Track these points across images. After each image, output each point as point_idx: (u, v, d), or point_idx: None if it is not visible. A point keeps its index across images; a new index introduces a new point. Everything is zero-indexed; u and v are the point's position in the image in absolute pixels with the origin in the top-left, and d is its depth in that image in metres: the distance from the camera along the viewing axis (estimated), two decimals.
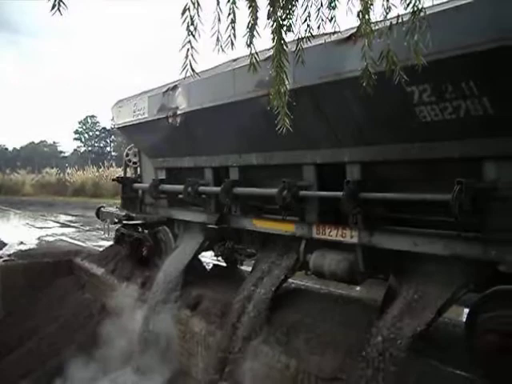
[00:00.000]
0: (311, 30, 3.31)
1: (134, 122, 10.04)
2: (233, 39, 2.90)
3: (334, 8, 3.27)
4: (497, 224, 4.74)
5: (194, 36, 2.74)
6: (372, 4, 3.19)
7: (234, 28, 2.89)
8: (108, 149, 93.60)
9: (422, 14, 3.23)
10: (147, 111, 9.53)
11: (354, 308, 6.75)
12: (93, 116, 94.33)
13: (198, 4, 2.69)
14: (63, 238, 17.38)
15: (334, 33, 3.55)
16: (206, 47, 2.94)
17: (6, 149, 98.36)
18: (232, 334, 7.13)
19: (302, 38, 3.33)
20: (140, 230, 10.82)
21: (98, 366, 8.91)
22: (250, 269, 8.33)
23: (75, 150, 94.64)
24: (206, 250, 9.38)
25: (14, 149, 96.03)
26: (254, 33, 3.01)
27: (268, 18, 3.06)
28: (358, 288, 8.39)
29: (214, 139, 8.11)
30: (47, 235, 18.22)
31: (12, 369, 10.29)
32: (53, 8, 2.65)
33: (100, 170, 42.43)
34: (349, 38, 5.10)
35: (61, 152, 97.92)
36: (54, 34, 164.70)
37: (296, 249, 7.07)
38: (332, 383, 5.60)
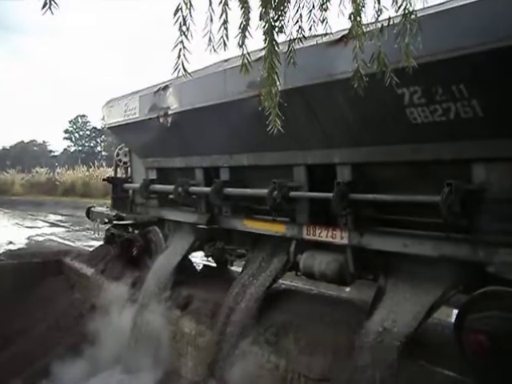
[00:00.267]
0: (303, 32, 3.33)
1: (125, 122, 10.02)
2: (225, 40, 2.91)
3: (325, 10, 3.29)
4: (485, 226, 4.78)
5: (186, 36, 2.74)
6: (363, 6, 3.21)
7: (226, 29, 2.90)
8: (98, 148, 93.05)
9: (412, 16, 3.26)
10: (138, 111, 9.52)
11: (343, 309, 6.76)
12: (83, 115, 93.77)
13: (191, 4, 2.70)
14: (53, 237, 17.30)
15: (326, 34, 3.56)
16: (198, 47, 2.96)
17: None
18: (222, 334, 7.14)
19: (294, 39, 3.35)
20: (130, 230, 10.83)
21: (88, 366, 8.89)
22: (240, 269, 8.34)
23: (65, 149, 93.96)
24: (197, 250, 9.38)
25: (4, 148, 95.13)
26: (246, 34, 3.02)
27: (260, 19, 3.08)
28: (347, 289, 8.43)
29: (205, 139, 8.12)
30: (37, 235, 18.13)
31: (1, 369, 10.22)
32: (44, 6, 2.65)
33: (90, 170, 42.20)
34: (340, 39, 5.12)
35: (51, 151, 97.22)
36: (45, 32, 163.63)
37: (286, 249, 7.08)
38: (321, 383, 5.62)
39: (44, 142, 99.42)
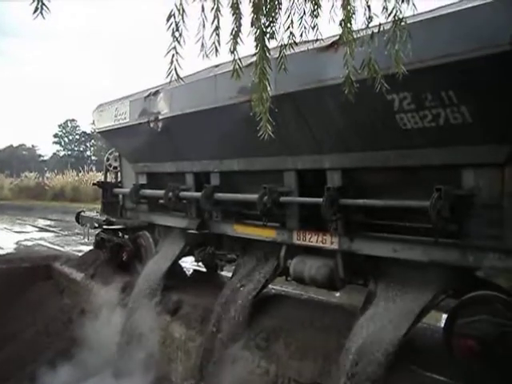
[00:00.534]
0: (294, 38, 3.35)
1: (115, 127, 10.01)
2: (217, 46, 2.93)
3: (316, 16, 3.30)
4: (475, 231, 4.82)
5: (178, 42, 2.75)
6: (354, 13, 3.23)
7: (218, 35, 2.92)
8: (88, 153, 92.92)
9: (402, 23, 3.28)
10: (128, 116, 9.51)
11: (333, 314, 6.77)
12: (73, 120, 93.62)
13: (183, 10, 2.71)
14: (42, 242, 17.22)
15: (316, 40, 3.57)
16: (190, 53, 2.96)
17: None
18: (212, 339, 7.13)
19: (285, 45, 3.36)
20: (120, 234, 10.81)
21: (78, 371, 8.85)
22: (230, 274, 8.34)
23: (54, 153, 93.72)
24: (187, 255, 9.36)
25: None
26: (238, 40, 3.03)
27: (252, 26, 3.09)
28: (337, 294, 8.45)
29: (196, 145, 8.13)
30: (25, 240, 18.05)
31: None
32: (35, 11, 2.65)
33: (80, 175, 42.12)
34: (330, 45, 5.14)
35: (40, 156, 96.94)
36: (36, 36, 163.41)
37: (276, 255, 7.10)
38: None
39: (33, 146, 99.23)
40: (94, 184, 12.75)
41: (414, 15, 3.64)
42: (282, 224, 6.88)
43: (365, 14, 3.31)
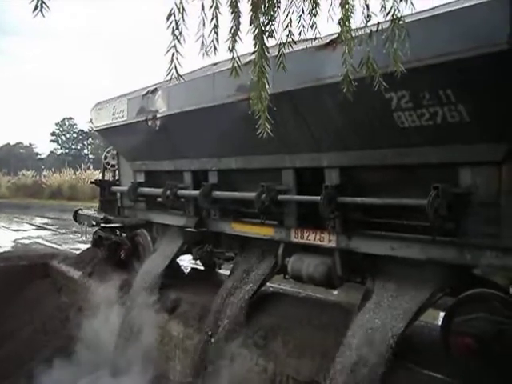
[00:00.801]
0: (292, 36, 3.36)
1: (113, 125, 10.00)
2: (215, 44, 2.94)
3: (315, 15, 3.32)
4: (472, 229, 4.84)
5: (178, 40, 2.77)
6: (352, 12, 3.25)
7: (216, 33, 2.93)
8: (85, 151, 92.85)
9: (401, 22, 3.30)
10: (126, 114, 9.51)
11: (331, 312, 6.78)
12: (70, 118, 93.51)
13: (183, 9, 2.72)
14: (39, 240, 17.20)
15: (315, 39, 3.59)
16: (188, 51, 2.98)
17: None
18: (210, 337, 7.14)
19: (284, 44, 3.38)
20: (118, 233, 10.80)
21: (75, 369, 8.86)
22: (228, 272, 8.35)
23: (52, 152, 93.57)
24: (185, 253, 9.37)
25: None
26: (237, 38, 3.05)
27: (250, 24, 3.10)
28: (335, 292, 8.47)
29: (194, 143, 8.13)
30: (23, 238, 18.04)
31: None
32: (35, 9, 2.65)
33: (77, 173, 42.06)
34: (328, 44, 5.16)
35: (37, 154, 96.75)
36: (34, 34, 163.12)
37: (274, 253, 7.10)
38: None
39: (30, 144, 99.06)
40: (91, 182, 12.76)
41: (412, 14, 3.66)
42: (280, 222, 6.89)
43: (363, 12, 3.33)
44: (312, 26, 3.38)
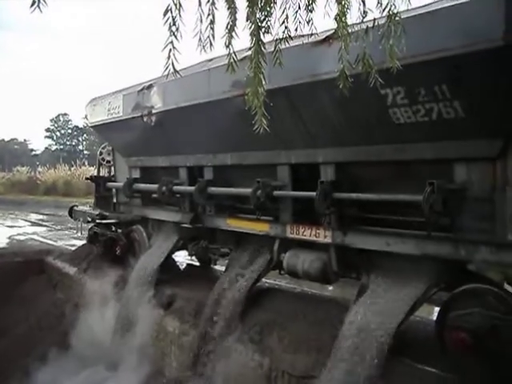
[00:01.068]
0: (289, 32, 3.36)
1: (109, 121, 9.99)
2: (212, 40, 2.94)
3: (311, 11, 3.32)
4: (466, 224, 4.86)
5: (175, 36, 2.77)
6: (349, 8, 3.25)
7: (212, 29, 2.93)
8: (80, 147, 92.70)
9: (397, 18, 3.31)
10: (122, 110, 9.50)
11: (326, 307, 6.80)
12: (65, 114, 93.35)
13: (180, 5, 2.72)
14: (34, 237, 17.14)
15: (311, 35, 3.59)
16: (185, 47, 2.98)
17: None
18: (206, 332, 7.16)
19: (280, 40, 3.38)
20: (113, 229, 10.80)
21: (70, 365, 8.87)
22: (223, 268, 8.36)
23: (46, 148, 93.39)
24: (180, 249, 9.37)
25: None
26: (233, 34, 3.05)
27: (247, 20, 3.11)
28: (330, 287, 8.49)
29: (189, 139, 8.13)
30: (18, 234, 17.96)
31: None
32: (32, 5, 2.65)
33: (72, 169, 41.91)
34: (324, 40, 5.16)
35: (32, 150, 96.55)
36: (32, 30, 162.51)
37: (270, 248, 7.12)
38: (305, 381, 5.66)
39: (25, 140, 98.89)
40: (87, 178, 12.71)
41: (408, 10, 3.67)
42: (276, 218, 6.90)
43: (359, 8, 3.34)
44: (308, 22, 3.39)
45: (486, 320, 4.71)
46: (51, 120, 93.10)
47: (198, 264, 10.39)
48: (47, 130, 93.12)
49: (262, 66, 3.25)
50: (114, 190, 11.18)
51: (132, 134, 9.52)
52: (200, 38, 2.88)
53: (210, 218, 8.18)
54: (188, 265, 10.68)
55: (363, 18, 3.39)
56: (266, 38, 3.30)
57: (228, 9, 3.04)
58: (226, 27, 3.05)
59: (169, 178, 8.54)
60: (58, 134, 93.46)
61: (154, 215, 9.75)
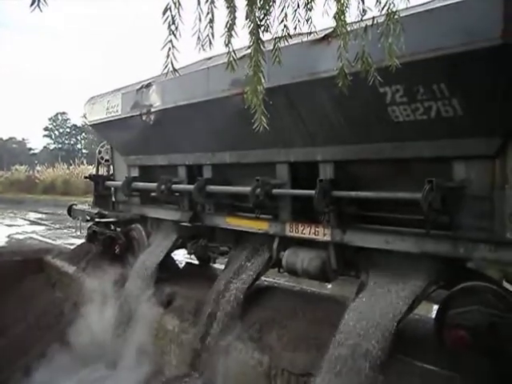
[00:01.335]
0: (288, 31, 3.37)
1: (107, 119, 10.00)
2: (211, 38, 2.95)
3: (310, 9, 3.33)
4: (465, 222, 4.87)
5: (175, 35, 2.77)
6: (348, 6, 3.26)
7: (212, 27, 2.94)
8: (79, 146, 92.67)
9: (396, 16, 3.31)
10: (120, 108, 9.50)
11: (326, 305, 6.82)
12: (63, 113, 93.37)
13: (179, 4, 2.73)
14: (33, 235, 17.14)
15: (310, 33, 3.60)
16: (184, 46, 2.98)
17: None
18: (205, 331, 7.16)
19: (280, 38, 3.39)
20: (112, 227, 10.79)
21: (70, 364, 8.87)
22: (222, 267, 8.37)
23: (45, 147, 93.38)
24: (179, 247, 9.38)
25: None
26: (232, 32, 3.06)
27: (246, 19, 3.11)
28: (329, 286, 8.51)
29: (188, 137, 8.13)
30: (17, 233, 17.97)
31: None
32: (32, 4, 2.65)
33: (70, 168, 41.94)
34: (323, 38, 5.17)
35: (30, 149, 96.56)
36: (26, 29, 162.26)
37: (269, 247, 7.13)
38: (304, 379, 5.67)
39: (23, 139, 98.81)
40: (85, 177, 12.74)
41: (406, 8, 3.68)
42: (275, 216, 6.91)
43: (358, 7, 3.34)
44: (307, 21, 3.39)
45: (485, 318, 4.72)
46: (50, 119, 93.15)
47: (197, 262, 10.39)
48: (45, 128, 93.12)
49: (261, 65, 3.26)
50: (112, 189, 11.19)
51: (131, 132, 9.52)
52: (199, 37, 2.88)
53: (209, 217, 8.19)
54: (187, 263, 10.68)
55: (362, 16, 3.40)
56: (266, 37, 3.31)
57: (227, 7, 3.05)
58: (226, 26, 3.06)
59: (168, 176, 8.55)
60: (56, 132, 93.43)
61: (152, 214, 9.76)
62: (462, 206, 4.87)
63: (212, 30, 2.98)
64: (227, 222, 7.79)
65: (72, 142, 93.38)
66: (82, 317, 9.51)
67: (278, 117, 5.80)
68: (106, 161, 11.80)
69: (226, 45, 3.09)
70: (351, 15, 3.37)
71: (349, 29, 3.45)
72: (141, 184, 9.63)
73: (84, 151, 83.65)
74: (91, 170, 23.97)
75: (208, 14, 2.94)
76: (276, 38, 3.40)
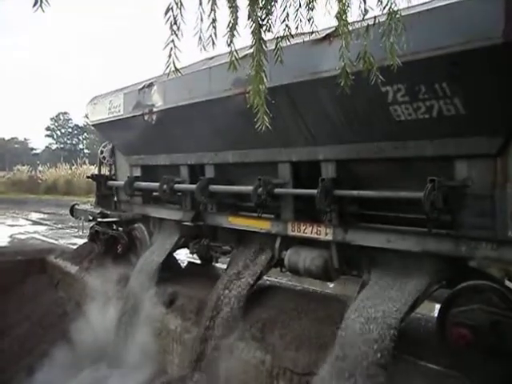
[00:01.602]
0: (289, 30, 3.38)
1: (109, 119, 10.02)
2: (213, 38, 2.96)
3: (312, 9, 3.34)
4: (467, 221, 4.88)
5: (176, 35, 2.78)
6: (349, 6, 3.27)
7: (214, 27, 2.95)
8: (81, 146, 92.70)
9: (397, 16, 3.32)
10: (123, 108, 9.52)
11: (328, 304, 6.82)
12: (65, 113, 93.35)
13: (181, 4, 2.74)
14: (36, 235, 17.16)
15: (312, 33, 3.61)
16: (186, 45, 2.99)
17: None
18: (207, 330, 7.17)
19: (282, 38, 3.39)
20: (115, 227, 10.81)
21: (72, 363, 8.89)
22: (225, 266, 8.38)
23: (47, 147, 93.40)
24: (181, 247, 9.38)
25: None
26: (235, 32, 3.06)
27: (248, 19, 3.12)
28: (331, 285, 8.51)
29: (190, 137, 8.14)
30: (19, 233, 17.97)
31: None
32: (35, 4, 2.66)
33: (73, 168, 41.93)
34: (324, 38, 5.18)
35: (32, 149, 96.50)
36: (27, 28, 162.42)
37: (271, 246, 7.14)
38: (306, 378, 5.68)
39: (25, 139, 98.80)
40: (88, 177, 12.77)
41: (408, 8, 3.69)
42: (277, 215, 6.92)
43: (360, 6, 3.35)
44: (309, 20, 3.40)
45: (488, 316, 4.73)
46: (51, 119, 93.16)
47: (199, 262, 10.40)
48: (47, 128, 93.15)
49: (263, 65, 3.27)
50: (115, 189, 11.20)
51: (133, 132, 9.53)
52: (200, 37, 2.89)
53: (211, 216, 8.20)
54: (189, 263, 10.70)
55: (364, 15, 3.40)
56: (267, 36, 3.32)
57: (229, 7, 3.06)
58: (228, 26, 3.06)
59: (170, 176, 8.57)
60: (58, 132, 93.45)
61: (155, 213, 9.77)
62: (463, 204, 4.87)
63: (215, 30, 2.99)
64: (229, 221, 7.79)
65: (74, 142, 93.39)
66: (84, 316, 9.53)
67: (279, 116, 5.81)
68: (108, 161, 11.80)
69: (228, 44, 3.10)
70: (353, 15, 3.38)
71: (350, 28, 3.45)
72: (143, 184, 9.64)
73: (86, 151, 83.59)
74: (93, 169, 23.95)
75: (210, 14, 2.95)
76: (278, 37, 3.41)
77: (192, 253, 9.24)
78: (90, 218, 11.36)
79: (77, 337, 9.26)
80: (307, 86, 5.59)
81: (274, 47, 3.54)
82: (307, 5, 3.32)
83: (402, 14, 3.43)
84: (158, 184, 8.56)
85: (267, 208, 6.77)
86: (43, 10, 2.62)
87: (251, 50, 3.29)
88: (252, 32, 3.15)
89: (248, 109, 3.55)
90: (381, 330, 5.13)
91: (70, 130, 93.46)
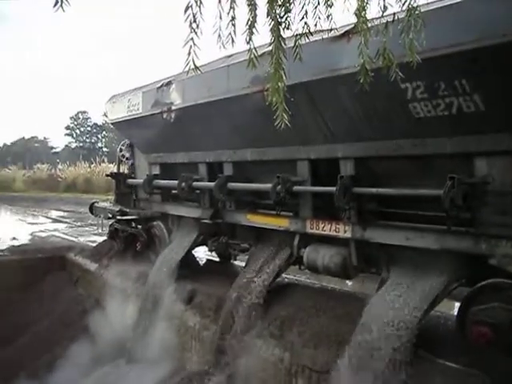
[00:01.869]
0: (308, 28, 3.38)
1: (128, 118, 10.08)
2: (233, 36, 2.97)
3: (330, 6, 3.34)
4: (487, 218, 4.84)
5: (196, 33, 2.80)
6: (368, 3, 3.27)
7: (234, 25, 2.96)
8: (100, 144, 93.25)
9: (416, 12, 3.31)
10: (141, 107, 9.57)
11: (346, 302, 6.80)
12: (84, 112, 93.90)
13: (201, 2, 2.75)
14: (56, 233, 17.32)
15: (330, 30, 3.61)
16: (204, 43, 3.01)
17: None
18: (226, 327, 7.19)
19: (301, 35, 3.40)
20: (134, 225, 10.87)
21: (92, 360, 8.97)
22: (243, 264, 8.39)
23: (66, 145, 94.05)
24: (200, 244, 9.42)
25: (5, 144, 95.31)
26: (253, 30, 3.08)
27: (267, 16, 3.13)
28: (349, 283, 8.50)
29: (209, 135, 8.17)
30: (40, 231, 18.14)
31: (4, 365, 10.28)
32: (55, 5, 2.69)
33: (92, 166, 42.24)
34: (343, 35, 5.17)
35: (52, 148, 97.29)
36: (48, 27, 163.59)
37: (290, 244, 7.13)
38: (325, 376, 5.67)
39: (45, 138, 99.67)
40: (107, 175, 12.85)
41: (427, 4, 3.67)
42: (296, 213, 6.92)
43: (379, 3, 3.35)
44: (328, 17, 3.40)
45: (508, 314, 4.70)
46: (71, 118, 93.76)
47: (217, 259, 10.43)
48: (67, 127, 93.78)
49: (282, 62, 3.28)
50: (133, 187, 11.26)
51: (152, 130, 9.58)
52: (219, 35, 2.91)
53: (229, 214, 8.21)
54: (208, 260, 10.73)
55: (383, 12, 3.39)
56: (286, 34, 3.32)
57: (248, 5, 3.07)
58: (247, 23, 3.08)
59: (188, 174, 8.59)
60: (77, 131, 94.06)
61: (173, 211, 9.81)
62: (483, 202, 4.84)
63: (234, 27, 3.01)
64: (248, 219, 7.80)
65: (93, 141, 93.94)
66: (103, 313, 9.60)
67: (298, 114, 5.80)
68: (127, 159, 11.87)
69: (247, 42, 3.12)
70: (372, 11, 3.38)
71: (369, 25, 3.45)
72: (162, 182, 9.69)
73: (105, 149, 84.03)
74: (112, 168, 24.09)
75: (229, 11, 2.96)
76: (297, 35, 3.42)
77: (211, 250, 9.28)
78: (110, 215, 11.43)
79: (96, 333, 9.33)
80: (326, 83, 5.58)
81: (292, 45, 3.55)
82: (326, 2, 3.33)
83: (422, 11, 3.42)
84: (176, 182, 8.59)
85: (286, 206, 6.77)
86: (63, 10, 2.65)
87: (270, 48, 3.30)
88: (271, 30, 3.17)
89: (267, 106, 3.56)
90: (400, 328, 5.11)
91: (89, 128, 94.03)
